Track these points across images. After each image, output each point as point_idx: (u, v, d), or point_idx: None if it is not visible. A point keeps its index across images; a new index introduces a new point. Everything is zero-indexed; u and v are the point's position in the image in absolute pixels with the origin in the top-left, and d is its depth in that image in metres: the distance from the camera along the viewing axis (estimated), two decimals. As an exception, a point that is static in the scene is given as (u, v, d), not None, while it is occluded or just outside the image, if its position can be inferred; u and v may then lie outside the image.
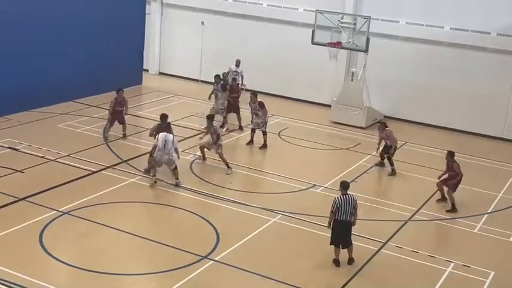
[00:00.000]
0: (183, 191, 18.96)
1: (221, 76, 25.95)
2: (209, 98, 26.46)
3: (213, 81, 28.78)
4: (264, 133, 23.53)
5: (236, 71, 28.28)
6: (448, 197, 19.30)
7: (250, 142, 23.68)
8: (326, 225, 15.45)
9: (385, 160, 22.32)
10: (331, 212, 15.04)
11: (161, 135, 19.08)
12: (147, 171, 19.77)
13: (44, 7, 25.22)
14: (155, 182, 19.30)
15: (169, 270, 14.56)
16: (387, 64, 28.31)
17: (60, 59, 26.26)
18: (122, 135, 23.04)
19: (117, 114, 22.93)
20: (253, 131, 23.69)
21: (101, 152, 21.63)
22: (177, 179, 19.34)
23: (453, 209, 19.07)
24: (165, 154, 18.98)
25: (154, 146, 18.98)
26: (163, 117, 20.55)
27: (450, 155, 19.39)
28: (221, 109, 25.17)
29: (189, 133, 24.26)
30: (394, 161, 22.05)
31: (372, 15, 26.44)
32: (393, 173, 21.97)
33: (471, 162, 23.88)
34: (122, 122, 23.12)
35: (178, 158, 19.64)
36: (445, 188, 19.39)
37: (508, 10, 26.18)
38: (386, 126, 22.30)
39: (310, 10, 28.21)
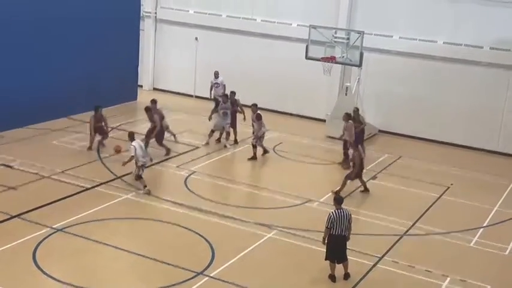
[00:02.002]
0: (177, 207, 18.87)
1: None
2: (209, 118, 26.72)
3: (207, 96, 28.91)
4: (254, 146, 23.51)
5: (217, 83, 28.29)
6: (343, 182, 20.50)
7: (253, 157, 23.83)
8: (321, 240, 15.38)
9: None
10: (326, 227, 14.98)
11: (135, 143, 19.99)
12: (139, 177, 19.98)
13: (37, 24, 25.18)
14: (149, 191, 19.69)
15: (164, 287, 14.44)
16: (381, 78, 28.37)
17: (55, 76, 26.22)
18: (101, 145, 23.41)
19: (97, 129, 23.25)
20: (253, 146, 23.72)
21: (95, 168, 21.55)
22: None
23: (338, 192, 19.89)
24: (147, 156, 20.66)
25: (132, 157, 19.83)
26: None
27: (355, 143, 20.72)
28: (228, 123, 25.03)
29: (184, 149, 24.19)
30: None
31: (365, 30, 26.51)
32: (348, 166, 22.67)
33: (466, 175, 23.90)
34: (104, 132, 23.44)
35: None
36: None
37: (501, 24, 26.27)
38: (350, 119, 23.08)
39: (304, 25, 28.26)
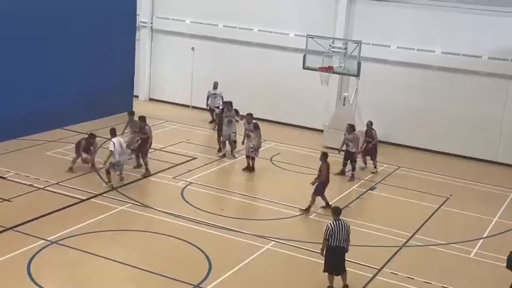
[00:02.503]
0: (174, 218, 18.70)
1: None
2: (214, 128, 26.71)
3: (204, 106, 28.91)
4: (253, 158, 23.33)
5: (215, 93, 28.30)
6: (311, 198, 19.83)
7: (247, 168, 23.48)
8: (319, 252, 15.19)
9: (348, 170, 23.45)
10: (325, 238, 14.79)
11: (115, 140, 20.70)
12: (108, 172, 20.74)
13: (30, 35, 24.97)
14: (112, 186, 20.51)
15: (160, 300, 14.28)
16: (379, 88, 28.26)
17: (49, 86, 26.06)
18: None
19: (85, 150, 22.21)
20: (247, 157, 23.46)
21: (89, 179, 21.36)
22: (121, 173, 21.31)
23: (307, 210, 19.64)
24: (125, 154, 21.24)
25: (112, 152, 20.45)
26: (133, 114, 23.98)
27: (323, 156, 20.01)
28: (234, 132, 24.92)
29: (180, 159, 24.02)
30: (356, 167, 23.46)
31: (362, 40, 26.42)
32: (352, 178, 23.14)
33: (465, 186, 23.78)
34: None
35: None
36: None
37: (499, 34, 26.19)
38: (354, 130, 23.35)
39: (301, 35, 28.17)
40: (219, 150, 25.07)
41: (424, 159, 26.82)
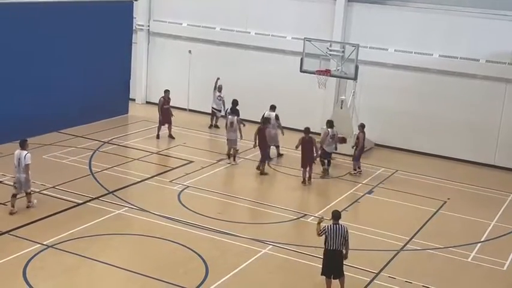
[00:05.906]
0: (171, 222, 18.63)
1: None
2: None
3: (201, 110, 28.93)
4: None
5: (220, 96, 28.35)
6: None
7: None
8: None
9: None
10: (319, 233, 14.72)
11: (16, 152, 18.62)
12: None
13: (26, 39, 24.89)
14: (12, 212, 18.44)
15: (157, 304, 14.21)
16: (376, 92, 28.19)
17: (45, 90, 25.98)
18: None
19: None
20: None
21: (86, 183, 21.28)
22: (30, 201, 18.81)
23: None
24: (21, 173, 18.51)
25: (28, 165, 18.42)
26: None
27: None
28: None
29: (177, 163, 23.94)
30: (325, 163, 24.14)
31: (360, 43, 26.39)
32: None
33: (463, 190, 23.73)
34: None
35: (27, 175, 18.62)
36: None
37: (497, 37, 26.14)
38: (331, 126, 24.07)
39: (299, 38, 28.13)
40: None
41: (422, 162, 26.76)
